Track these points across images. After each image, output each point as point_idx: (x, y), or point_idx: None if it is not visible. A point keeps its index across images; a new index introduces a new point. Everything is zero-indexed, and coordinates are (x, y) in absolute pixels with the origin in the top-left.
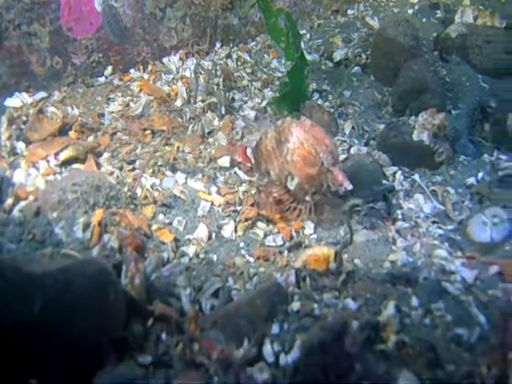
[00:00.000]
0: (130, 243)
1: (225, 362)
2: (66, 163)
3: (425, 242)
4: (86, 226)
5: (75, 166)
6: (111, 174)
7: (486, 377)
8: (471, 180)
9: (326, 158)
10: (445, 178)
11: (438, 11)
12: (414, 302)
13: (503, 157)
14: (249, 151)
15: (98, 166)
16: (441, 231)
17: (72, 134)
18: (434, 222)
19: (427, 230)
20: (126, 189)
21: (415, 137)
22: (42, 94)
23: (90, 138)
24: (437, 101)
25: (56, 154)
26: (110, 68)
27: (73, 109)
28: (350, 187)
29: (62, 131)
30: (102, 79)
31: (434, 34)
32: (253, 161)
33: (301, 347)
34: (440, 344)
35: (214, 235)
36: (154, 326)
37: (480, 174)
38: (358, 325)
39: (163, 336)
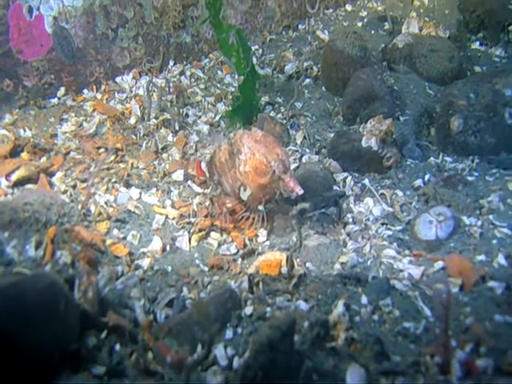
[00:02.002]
0: (83, 257)
1: (178, 366)
2: (19, 184)
3: (374, 243)
4: (39, 244)
5: (28, 186)
6: (65, 192)
7: (430, 364)
8: (418, 182)
9: (277, 166)
10: (393, 182)
11: (386, 23)
12: (364, 300)
13: (448, 159)
14: (203, 165)
15: (51, 185)
16: (390, 232)
17: (24, 155)
18: (383, 224)
19: (377, 232)
20: (79, 206)
21: (364, 143)
22: None
23: (43, 159)
24: (385, 108)
25: (7, 176)
26: (62, 89)
27: (25, 131)
28: (302, 192)
29: (14, 153)
30: (55, 100)
31: (382, 45)
32: (207, 174)
33: (250, 345)
34: (387, 337)
35: (168, 247)
36: (108, 337)
37: (426, 176)
38: (307, 323)
39: (117, 346)
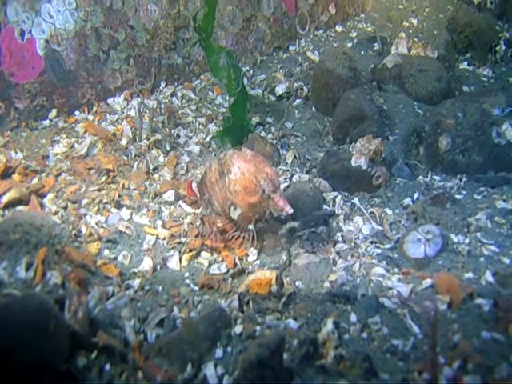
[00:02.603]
0: (73, 278)
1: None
2: (10, 206)
3: (364, 262)
4: (29, 266)
5: (19, 208)
6: (55, 213)
7: (418, 381)
8: (407, 201)
9: (267, 185)
10: (382, 200)
11: (376, 44)
12: (353, 317)
13: (437, 177)
14: (194, 185)
15: (42, 206)
16: (379, 250)
17: (16, 176)
18: (372, 242)
19: (366, 250)
20: (70, 227)
21: (353, 162)
22: None
23: (35, 180)
24: (374, 128)
25: None
26: (54, 111)
27: (16, 153)
28: (291, 211)
29: (5, 175)
30: (47, 122)
31: (372, 65)
32: (198, 194)
33: (240, 363)
34: (376, 355)
35: (159, 267)
36: (99, 357)
37: (415, 195)
38: (296, 341)
39: (107, 366)
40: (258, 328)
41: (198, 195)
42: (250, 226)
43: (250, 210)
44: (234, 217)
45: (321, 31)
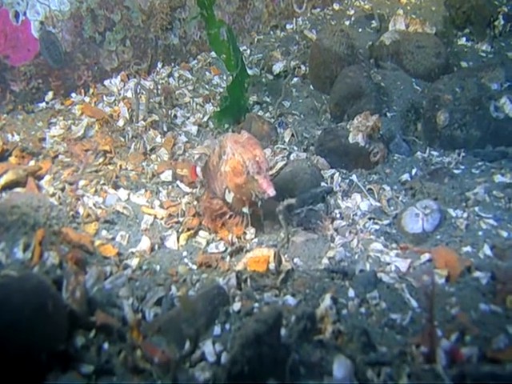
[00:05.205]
0: (71, 258)
1: (166, 364)
2: (7, 188)
3: (362, 238)
4: (27, 247)
5: (16, 190)
6: (53, 195)
7: (416, 354)
8: (405, 176)
9: (252, 166)
10: (381, 177)
11: (373, 21)
12: (351, 293)
13: (435, 153)
14: (198, 169)
15: (40, 188)
16: (377, 226)
17: (12, 159)
18: (370, 219)
19: (364, 226)
20: (68, 208)
21: (351, 139)
22: None
23: (32, 163)
24: (372, 105)
25: None
26: (50, 93)
27: (13, 135)
28: (273, 193)
29: (2, 158)
30: (43, 105)
31: (370, 43)
32: (201, 178)
33: (237, 340)
34: (374, 329)
35: (156, 247)
36: (97, 336)
37: (413, 171)
38: (294, 317)
39: (105, 345)
40: (256, 305)
41: (201, 179)
42: (245, 209)
43: (237, 192)
44: (229, 200)
45: (318, 9)
